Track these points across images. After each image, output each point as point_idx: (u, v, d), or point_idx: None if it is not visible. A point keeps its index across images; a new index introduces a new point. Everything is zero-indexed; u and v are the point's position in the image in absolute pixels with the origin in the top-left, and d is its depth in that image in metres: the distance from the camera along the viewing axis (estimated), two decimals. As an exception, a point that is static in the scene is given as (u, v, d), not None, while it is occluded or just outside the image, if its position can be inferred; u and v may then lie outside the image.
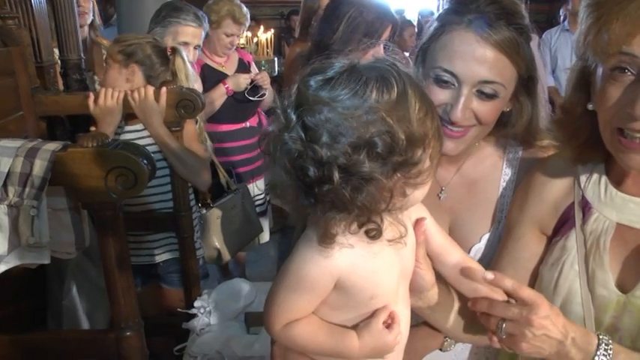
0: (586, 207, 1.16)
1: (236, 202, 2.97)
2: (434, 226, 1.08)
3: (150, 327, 1.71)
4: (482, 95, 1.24)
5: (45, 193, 1.40)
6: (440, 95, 1.26)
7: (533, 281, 1.24)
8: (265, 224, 3.58)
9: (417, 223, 1.04)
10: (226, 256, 2.90)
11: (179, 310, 2.35)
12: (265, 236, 3.59)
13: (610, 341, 1.01)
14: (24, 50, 2.13)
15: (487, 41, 1.21)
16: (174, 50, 2.42)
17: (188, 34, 2.82)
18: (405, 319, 1.04)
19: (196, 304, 2.24)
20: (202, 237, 2.79)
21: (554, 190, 1.22)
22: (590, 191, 1.16)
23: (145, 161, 1.39)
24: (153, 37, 2.51)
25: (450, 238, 1.12)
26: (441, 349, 1.35)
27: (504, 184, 1.39)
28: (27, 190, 1.38)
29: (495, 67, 1.22)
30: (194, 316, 2.19)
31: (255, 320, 2.06)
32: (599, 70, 1.04)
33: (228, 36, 3.30)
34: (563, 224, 1.19)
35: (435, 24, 1.32)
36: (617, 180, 1.13)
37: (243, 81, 3.32)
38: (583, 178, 1.18)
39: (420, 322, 1.34)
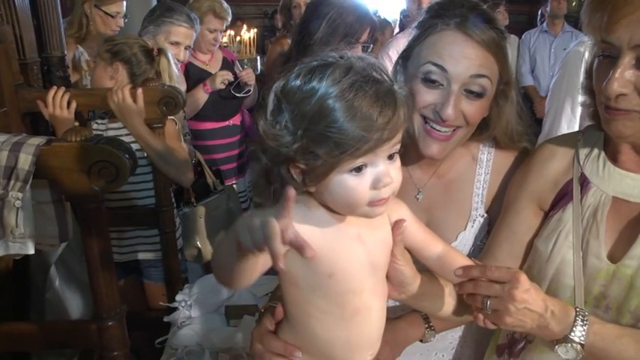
0: (584, 182, 1.22)
1: (220, 202, 2.96)
2: (415, 224, 1.11)
3: (131, 321, 1.72)
4: (471, 95, 1.27)
5: (29, 186, 1.44)
6: (428, 96, 1.28)
7: (528, 255, 1.30)
8: (247, 221, 3.57)
9: (396, 224, 1.06)
10: (207, 255, 2.88)
11: (161, 303, 2.38)
12: (248, 233, 3.58)
13: (586, 313, 1.08)
14: (7, 47, 2.14)
15: (475, 40, 1.25)
16: (160, 51, 2.46)
17: (180, 34, 2.88)
18: (377, 311, 1.07)
19: (178, 297, 2.26)
20: (183, 235, 2.79)
21: (554, 167, 1.28)
22: (589, 167, 1.23)
23: (127, 155, 1.44)
24: (140, 38, 2.56)
25: (432, 231, 1.15)
26: (421, 341, 1.37)
27: (478, 183, 1.43)
28: (12, 182, 1.41)
29: (484, 64, 1.26)
30: (175, 309, 2.22)
31: (236, 313, 2.10)
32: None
33: (211, 32, 3.31)
34: (561, 199, 1.25)
35: (416, 31, 1.34)
36: (614, 157, 1.20)
37: (219, 78, 3.25)
38: (582, 156, 1.25)
39: (400, 314, 1.38)
